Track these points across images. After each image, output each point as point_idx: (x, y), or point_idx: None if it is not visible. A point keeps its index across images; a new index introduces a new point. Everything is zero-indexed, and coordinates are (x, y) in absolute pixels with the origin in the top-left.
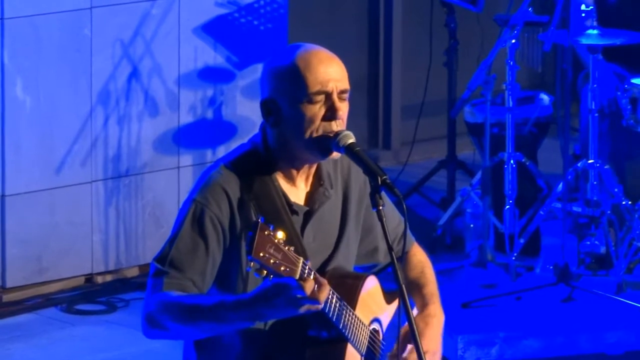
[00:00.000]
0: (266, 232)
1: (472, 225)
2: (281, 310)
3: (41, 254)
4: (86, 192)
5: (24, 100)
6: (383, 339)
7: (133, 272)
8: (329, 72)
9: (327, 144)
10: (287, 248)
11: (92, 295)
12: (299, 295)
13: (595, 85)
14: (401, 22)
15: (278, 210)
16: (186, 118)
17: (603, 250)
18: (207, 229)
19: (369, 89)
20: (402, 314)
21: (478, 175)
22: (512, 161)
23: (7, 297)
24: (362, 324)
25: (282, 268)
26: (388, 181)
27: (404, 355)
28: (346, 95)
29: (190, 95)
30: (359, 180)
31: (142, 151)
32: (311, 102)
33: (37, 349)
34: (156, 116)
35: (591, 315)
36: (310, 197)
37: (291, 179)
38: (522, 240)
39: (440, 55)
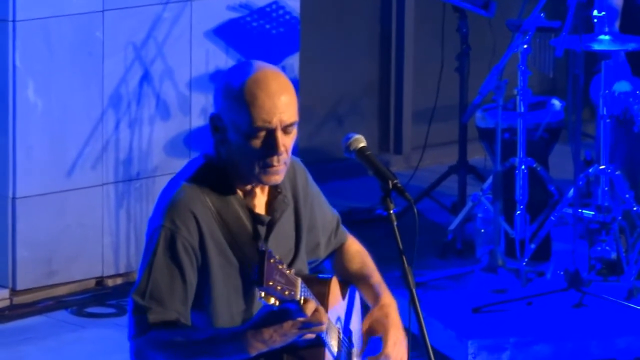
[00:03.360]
0: (272, 260)
1: (482, 230)
2: (283, 337)
3: (52, 257)
4: (97, 195)
5: (36, 102)
6: (343, 335)
7: None
8: (276, 105)
9: (266, 176)
10: (288, 272)
11: (102, 298)
12: (300, 319)
13: (607, 91)
14: (413, 27)
15: (243, 224)
16: (197, 121)
17: (614, 256)
18: (181, 255)
19: (381, 93)
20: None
21: (489, 181)
22: (523, 166)
23: (17, 300)
24: (334, 326)
25: (287, 292)
26: (399, 185)
27: (384, 350)
28: (292, 128)
29: (201, 99)
30: (302, 180)
31: (153, 154)
32: (253, 136)
33: (48, 352)
34: (168, 119)
35: (602, 321)
36: (270, 205)
37: (249, 190)
38: (532, 246)
39: (451, 60)
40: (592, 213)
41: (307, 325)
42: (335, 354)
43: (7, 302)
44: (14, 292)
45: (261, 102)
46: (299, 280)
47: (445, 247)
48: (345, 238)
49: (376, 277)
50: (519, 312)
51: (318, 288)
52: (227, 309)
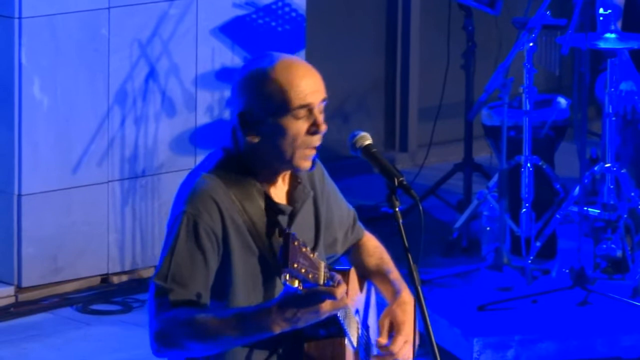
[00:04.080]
0: (295, 243)
1: (488, 228)
2: (306, 316)
3: (57, 254)
4: (102, 192)
5: (42, 99)
6: (362, 328)
7: (149, 273)
8: (310, 85)
9: (304, 160)
10: (312, 255)
11: (107, 295)
12: (328, 301)
13: (612, 90)
14: (419, 25)
15: (264, 214)
16: (203, 119)
17: (619, 254)
18: (203, 240)
19: (386, 90)
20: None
21: (495, 178)
22: (528, 164)
23: (22, 297)
24: (353, 317)
25: (310, 275)
26: (404, 183)
27: (392, 346)
28: (323, 105)
29: (207, 96)
30: (319, 176)
31: (158, 151)
32: (295, 117)
33: (53, 349)
34: (173, 116)
35: (607, 319)
36: (290, 195)
37: (271, 181)
38: (538, 244)
39: (457, 58)
40: (598, 211)
41: (332, 308)
42: (355, 345)
43: (12, 299)
44: (19, 289)
45: (297, 83)
46: (322, 264)
47: (451, 244)
48: (362, 234)
49: (395, 273)
50: (524, 310)
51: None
52: (246, 298)
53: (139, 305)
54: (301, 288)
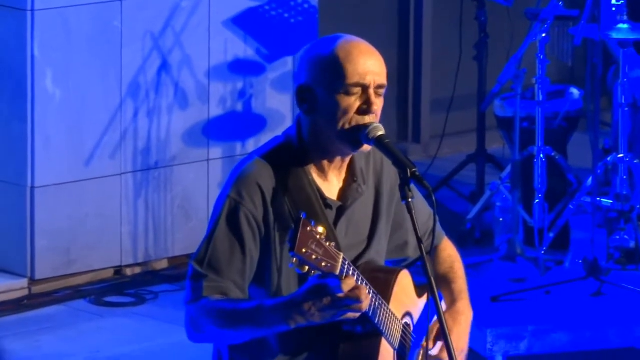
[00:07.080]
0: (308, 228)
1: (501, 219)
2: (321, 312)
3: (70, 246)
4: (115, 185)
5: (54, 92)
6: (413, 333)
7: (162, 265)
8: (369, 65)
9: (357, 136)
10: (327, 244)
11: (120, 288)
12: (339, 295)
13: (625, 80)
14: (431, 16)
15: (312, 204)
16: (216, 110)
17: (632, 244)
18: (243, 226)
19: (399, 82)
20: (431, 307)
21: (507, 169)
22: (541, 155)
23: (36, 289)
24: (396, 318)
25: (324, 264)
26: (417, 173)
27: (434, 351)
28: (382, 91)
29: (220, 88)
30: (391, 175)
31: (171, 144)
32: (348, 93)
33: (66, 341)
34: (186, 109)
35: (620, 310)
36: (343, 192)
37: (324, 173)
38: (551, 235)
39: (470, 49)
40: (611, 202)
41: (346, 302)
42: (396, 347)
43: (25, 292)
44: (32, 281)
45: (355, 59)
46: (341, 256)
47: (464, 235)
48: (439, 241)
49: (459, 284)
50: (537, 301)
51: (385, 275)
52: (287, 287)
53: (152, 297)
54: (312, 274)
